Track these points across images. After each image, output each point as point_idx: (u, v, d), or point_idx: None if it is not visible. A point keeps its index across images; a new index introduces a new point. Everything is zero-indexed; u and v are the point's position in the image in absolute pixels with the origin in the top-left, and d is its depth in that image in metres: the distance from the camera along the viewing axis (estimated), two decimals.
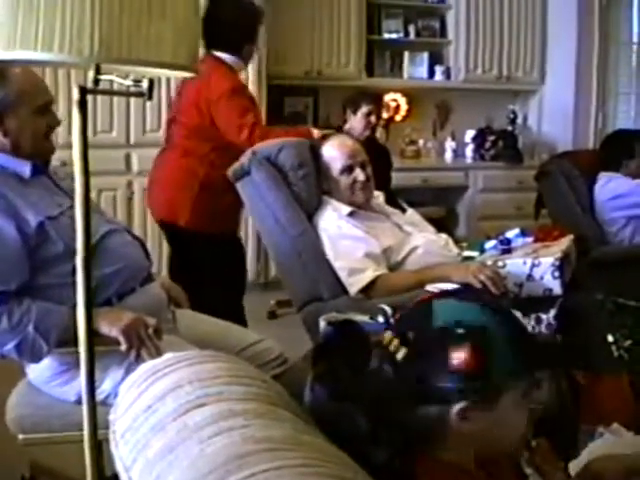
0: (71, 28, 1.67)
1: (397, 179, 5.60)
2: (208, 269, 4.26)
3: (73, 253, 1.99)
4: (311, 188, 3.65)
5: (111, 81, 1.89)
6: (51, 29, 1.67)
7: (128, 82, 1.83)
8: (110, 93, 1.97)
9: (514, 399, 1.55)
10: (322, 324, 2.80)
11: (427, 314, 1.55)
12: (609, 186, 5.24)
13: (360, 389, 1.51)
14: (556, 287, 3.19)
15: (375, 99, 5.34)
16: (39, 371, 2.64)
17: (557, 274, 3.18)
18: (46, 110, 2.62)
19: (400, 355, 1.51)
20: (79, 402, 2.20)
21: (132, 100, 5.45)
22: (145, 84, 1.82)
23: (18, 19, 1.70)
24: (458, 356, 1.47)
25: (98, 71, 1.80)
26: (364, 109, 5.16)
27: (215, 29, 4.21)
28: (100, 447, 2.14)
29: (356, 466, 1.32)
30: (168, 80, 5.49)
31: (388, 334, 1.56)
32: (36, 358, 2.54)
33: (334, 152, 3.64)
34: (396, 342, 1.52)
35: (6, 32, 1.73)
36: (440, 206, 6.86)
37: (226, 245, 4.30)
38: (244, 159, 3.68)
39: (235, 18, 4.31)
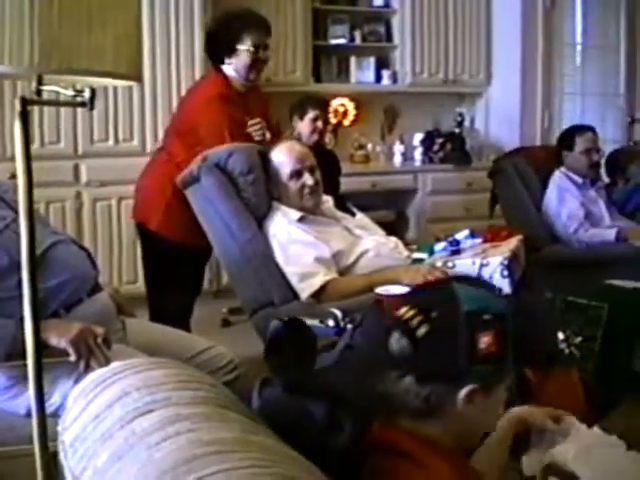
0: (11, 38, 1.66)
1: (346, 184, 5.60)
2: (167, 270, 4.26)
3: (18, 266, 1.97)
4: (260, 194, 3.66)
5: (56, 92, 1.88)
6: None
7: (70, 92, 1.83)
8: (51, 103, 1.96)
9: (503, 390, 1.67)
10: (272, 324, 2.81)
11: (452, 297, 1.63)
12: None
13: (315, 378, 1.54)
14: (505, 286, 3.22)
15: (322, 104, 5.33)
16: None
17: (506, 273, 3.22)
18: None
19: (422, 331, 1.58)
20: (29, 415, 2.18)
21: (79, 110, 5.40)
22: (87, 94, 1.82)
23: None
24: (485, 340, 1.57)
25: (40, 82, 1.80)
26: (310, 114, 5.16)
27: (206, 43, 4.43)
28: (53, 459, 2.12)
29: (309, 464, 1.33)
30: (115, 89, 5.46)
31: (406, 309, 1.62)
32: None
33: (283, 157, 3.65)
34: (419, 319, 1.59)
35: None
36: (390, 209, 6.88)
37: (191, 254, 4.21)
38: (194, 165, 3.68)
39: (215, 31, 4.38)
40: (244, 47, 4.17)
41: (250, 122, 4.15)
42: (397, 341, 1.61)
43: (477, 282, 1.65)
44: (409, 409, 1.63)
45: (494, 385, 1.65)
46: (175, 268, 4.18)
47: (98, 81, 1.93)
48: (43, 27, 1.67)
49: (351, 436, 1.50)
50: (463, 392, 1.59)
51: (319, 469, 1.34)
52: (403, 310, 1.63)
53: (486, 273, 3.25)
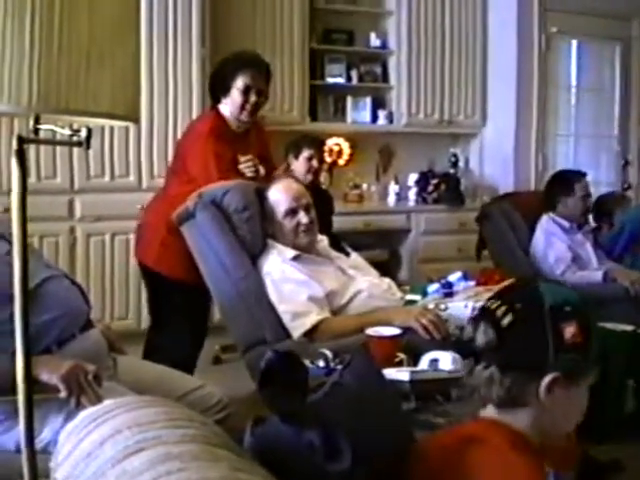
0: (10, 78, 1.67)
1: (340, 223, 5.63)
2: (170, 313, 4.28)
3: (11, 299, 1.98)
4: (255, 231, 3.67)
5: (52, 130, 1.90)
6: None
7: (67, 132, 1.84)
8: (48, 143, 1.98)
9: (585, 385, 1.73)
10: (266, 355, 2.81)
11: (535, 291, 1.72)
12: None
13: (309, 408, 1.57)
14: None
15: (317, 143, 5.37)
16: None
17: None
18: None
19: (506, 321, 1.69)
20: (19, 450, 2.17)
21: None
22: (83, 133, 1.83)
23: None
24: (570, 330, 1.65)
25: (37, 120, 1.81)
26: (305, 153, 5.19)
27: (209, 82, 4.49)
28: None
29: None
30: (112, 128, 5.48)
31: (493, 301, 1.74)
32: None
33: (279, 195, 3.67)
34: (503, 309, 1.70)
35: None
36: (383, 249, 6.89)
37: (191, 292, 4.13)
38: (189, 202, 3.69)
39: (214, 71, 4.46)
40: (235, 87, 4.22)
41: (242, 159, 4.17)
42: (483, 332, 1.72)
43: (556, 282, 1.78)
44: (493, 400, 1.73)
45: (576, 377, 1.71)
46: (177, 306, 4.21)
47: (95, 121, 1.94)
48: (42, 67, 1.68)
49: (352, 459, 1.53)
50: (546, 380, 1.67)
51: None
52: (489, 302, 1.75)
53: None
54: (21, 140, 1.82)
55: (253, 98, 4.23)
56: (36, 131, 1.83)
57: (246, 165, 4.15)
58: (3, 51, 1.68)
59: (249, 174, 4.13)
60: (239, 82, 4.21)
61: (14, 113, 1.84)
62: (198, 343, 4.44)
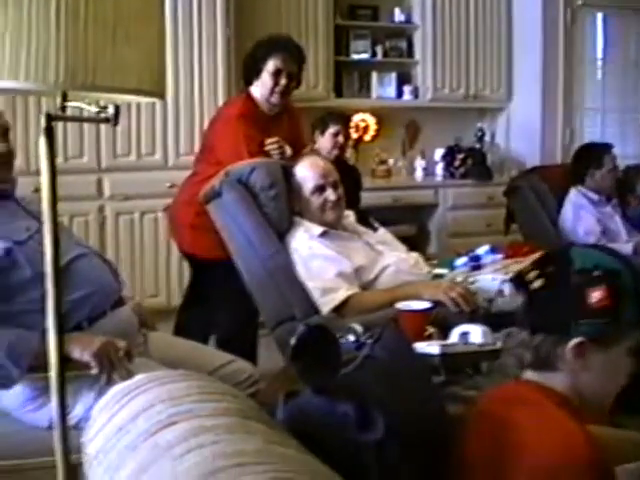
0: (36, 56, 1.68)
1: (368, 198, 5.62)
2: (215, 295, 4.32)
3: (42, 278, 1.99)
4: (282, 209, 3.67)
5: (80, 108, 1.90)
6: (17, 57, 1.69)
7: (94, 109, 1.85)
8: (76, 120, 1.99)
9: (625, 350, 1.72)
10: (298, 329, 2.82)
11: (566, 256, 1.74)
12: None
13: (342, 380, 1.58)
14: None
15: (342, 119, 5.37)
16: (11, 398, 2.63)
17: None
18: None
19: (536, 284, 1.72)
20: (51, 427, 2.20)
21: (102, 125, 5.44)
22: (111, 110, 1.84)
23: None
24: (596, 295, 1.65)
25: (65, 98, 1.82)
26: (331, 129, 5.20)
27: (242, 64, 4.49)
28: (74, 471, 2.14)
29: (331, 474, 1.34)
30: (138, 104, 5.49)
31: (528, 266, 1.77)
32: (7, 385, 2.55)
33: (306, 172, 3.66)
34: (534, 273, 1.73)
35: None
36: (411, 224, 6.88)
37: (231, 268, 3.96)
38: (215, 181, 3.69)
39: (248, 54, 4.42)
40: (266, 70, 4.22)
41: (268, 141, 4.16)
42: (516, 296, 1.79)
43: (594, 245, 1.81)
44: (526, 361, 1.75)
45: (609, 343, 1.70)
46: (220, 283, 4.23)
47: (122, 97, 1.95)
48: (68, 44, 1.69)
49: (385, 429, 1.54)
50: (571, 343, 1.67)
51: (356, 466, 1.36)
52: (523, 266, 1.81)
53: (507, 289, 3.24)
54: (50, 118, 1.82)
55: (283, 81, 4.23)
56: (63, 109, 1.83)
57: (272, 147, 4.15)
58: (29, 29, 1.69)
59: (275, 156, 4.13)
60: (270, 65, 4.22)
61: (42, 91, 1.84)
62: (248, 318, 4.32)
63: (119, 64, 1.76)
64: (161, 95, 1.97)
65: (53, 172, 1.85)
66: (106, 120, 1.85)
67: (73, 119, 1.92)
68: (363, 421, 1.53)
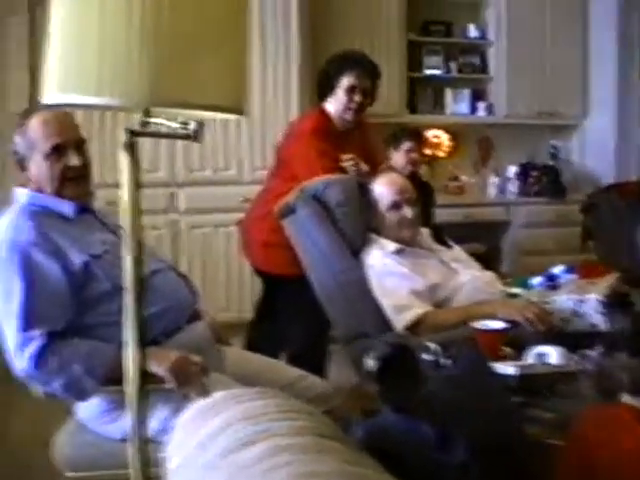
0: (120, 72, 1.70)
1: (439, 215, 5.60)
2: (287, 310, 4.31)
3: (119, 291, 2.01)
4: (356, 225, 3.66)
5: (158, 123, 1.91)
6: (101, 74, 1.70)
7: (175, 125, 1.86)
8: (158, 136, 1.99)
9: None
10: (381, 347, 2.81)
11: None
12: None
13: (423, 401, 1.57)
14: (601, 323, 3.17)
15: (416, 136, 5.37)
16: (88, 409, 2.67)
17: (603, 310, 3.16)
18: (59, 153, 2.67)
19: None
20: (124, 440, 2.22)
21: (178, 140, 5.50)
22: (192, 126, 1.84)
23: (71, 64, 1.74)
24: None
25: (147, 114, 1.83)
26: (405, 145, 5.20)
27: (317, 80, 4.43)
28: None
29: None
30: (213, 122, 5.53)
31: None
32: (82, 397, 2.58)
33: (383, 188, 3.65)
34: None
35: (59, 77, 1.77)
36: (482, 242, 6.83)
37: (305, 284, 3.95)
38: (290, 197, 3.71)
39: (321, 70, 4.39)
40: (340, 86, 4.20)
41: (344, 157, 4.15)
42: (616, 318, 1.73)
43: None
44: (625, 386, 1.73)
45: None
46: (293, 299, 4.20)
47: (202, 114, 1.95)
48: (153, 62, 1.70)
49: (467, 450, 1.52)
50: None
51: None
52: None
53: (583, 309, 3.19)
54: (132, 133, 1.84)
55: (358, 98, 4.20)
56: (144, 124, 1.85)
57: (348, 164, 4.14)
58: (114, 46, 1.70)
59: (352, 172, 4.12)
60: (344, 81, 4.19)
61: (126, 108, 1.85)
62: (320, 333, 4.29)
63: (202, 81, 1.77)
64: (240, 112, 1.97)
65: (136, 187, 1.86)
66: (187, 136, 1.86)
67: (155, 135, 1.92)
68: (443, 441, 1.51)
